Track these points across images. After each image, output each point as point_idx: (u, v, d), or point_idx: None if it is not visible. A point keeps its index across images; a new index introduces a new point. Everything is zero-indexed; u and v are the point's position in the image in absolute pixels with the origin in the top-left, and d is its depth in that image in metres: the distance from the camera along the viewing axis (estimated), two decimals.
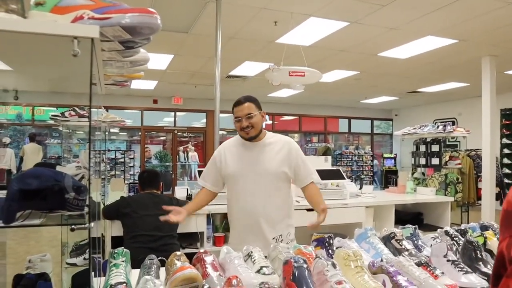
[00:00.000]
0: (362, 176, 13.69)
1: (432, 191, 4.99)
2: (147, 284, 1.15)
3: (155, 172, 3.56)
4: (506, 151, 10.26)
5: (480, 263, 1.61)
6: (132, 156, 11.52)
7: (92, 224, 0.97)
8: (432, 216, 4.92)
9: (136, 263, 2.88)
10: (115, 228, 3.30)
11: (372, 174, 14.43)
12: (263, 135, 2.55)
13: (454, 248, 1.67)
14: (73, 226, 0.99)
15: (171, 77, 9.04)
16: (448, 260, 1.58)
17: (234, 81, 9.37)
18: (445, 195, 5.26)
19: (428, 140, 5.73)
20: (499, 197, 7.26)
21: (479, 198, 7.07)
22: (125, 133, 12.99)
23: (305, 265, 1.26)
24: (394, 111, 15.03)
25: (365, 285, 1.31)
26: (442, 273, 1.50)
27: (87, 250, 3.59)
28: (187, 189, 3.99)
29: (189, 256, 3.73)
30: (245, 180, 2.47)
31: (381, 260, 1.59)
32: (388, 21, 5.39)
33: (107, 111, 11.31)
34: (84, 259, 3.50)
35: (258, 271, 1.52)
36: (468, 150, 7.24)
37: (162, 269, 1.56)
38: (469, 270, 1.53)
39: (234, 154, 2.54)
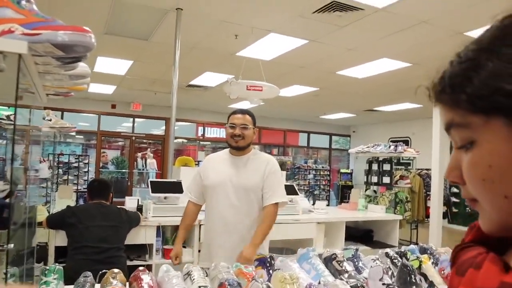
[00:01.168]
0: (316, 192, 13.90)
1: (382, 209, 5.13)
2: None
3: (105, 182, 3.46)
4: None
5: (414, 287, 1.66)
6: (87, 161, 11.15)
7: (11, 245, 0.92)
8: (382, 233, 5.04)
9: (79, 275, 2.79)
10: (59, 238, 3.17)
11: (328, 189, 14.67)
12: (249, 151, 2.63)
13: (390, 272, 1.71)
14: None
15: (131, 82, 8.87)
16: (383, 284, 1.62)
17: (195, 90, 9.31)
18: (395, 213, 5.43)
19: (380, 159, 5.90)
20: (446, 215, 7.54)
21: (427, 215, 7.32)
22: (82, 136, 12.58)
23: None
24: (352, 127, 15.41)
25: None
26: None
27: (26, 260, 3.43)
28: (138, 199, 3.91)
29: (135, 269, 3.61)
30: (221, 192, 2.52)
31: (319, 283, 1.61)
32: (347, 42, 5.54)
33: (62, 114, 11.02)
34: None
35: None
36: (419, 169, 7.50)
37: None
38: None
39: (216, 166, 2.62)
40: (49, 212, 3.52)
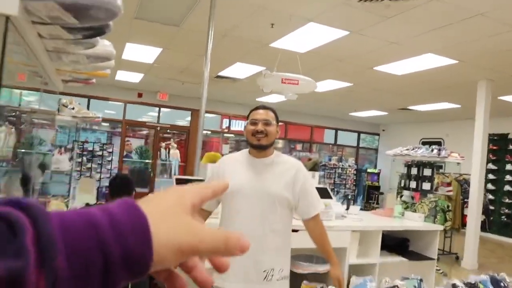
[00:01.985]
0: (348, 194, 13.46)
1: (421, 217, 4.74)
2: None
3: (127, 179, 3.20)
4: (490, 176, 10.16)
5: None
6: (111, 150, 11.03)
7: None
8: (419, 243, 4.65)
9: None
10: None
11: (354, 188, 14.23)
12: (271, 153, 2.29)
13: None
14: None
15: (158, 71, 8.65)
16: None
17: (223, 81, 9.04)
18: (434, 222, 5.03)
19: (423, 162, 5.50)
20: (484, 224, 7.08)
21: (463, 224, 6.88)
22: (107, 124, 12.50)
23: None
24: (382, 126, 14.89)
25: None
26: None
27: None
28: None
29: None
30: (242, 199, 2.19)
31: None
32: (390, 35, 5.15)
33: (89, 101, 10.91)
34: None
35: None
36: (457, 174, 7.04)
37: None
38: None
39: (235, 168, 2.28)
40: (67, 208, 3.29)
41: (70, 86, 1.37)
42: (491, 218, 8.05)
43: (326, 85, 8.40)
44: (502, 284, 1.90)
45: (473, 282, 1.81)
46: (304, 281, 1.58)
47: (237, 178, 2.23)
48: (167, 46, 6.65)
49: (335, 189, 13.49)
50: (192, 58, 7.21)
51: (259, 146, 2.24)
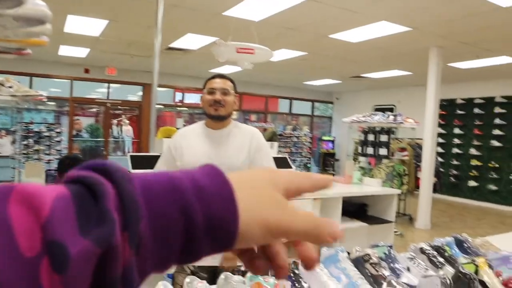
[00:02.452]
0: (306, 163, 13.63)
1: (379, 182, 4.84)
2: None
3: (78, 158, 3.02)
4: (440, 140, 10.58)
5: None
6: (59, 130, 10.48)
7: None
8: (377, 208, 4.77)
9: None
10: None
11: (310, 156, 14.43)
12: (229, 123, 2.21)
13: (448, 282, 1.36)
14: None
15: (105, 45, 8.19)
16: None
17: (175, 53, 8.71)
18: (391, 186, 5.15)
19: (377, 129, 5.57)
20: (435, 186, 7.38)
21: (417, 186, 7.14)
22: (53, 103, 11.82)
23: None
24: (335, 94, 15.07)
25: None
26: None
27: None
28: None
29: None
30: None
31: None
32: (346, 1, 5.08)
33: (31, 79, 10.24)
34: None
35: None
36: (410, 139, 7.25)
37: None
38: None
39: (193, 142, 2.18)
40: None
41: (3, 58, 1.19)
42: (442, 180, 8.40)
43: (281, 55, 8.30)
44: (465, 244, 1.94)
45: (439, 245, 1.82)
46: None
47: (195, 152, 2.14)
48: (113, 17, 6.26)
49: (291, 158, 13.61)
50: (141, 30, 6.85)
51: (217, 117, 2.14)
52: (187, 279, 1.31)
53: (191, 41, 7.60)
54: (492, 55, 7.39)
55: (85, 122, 12.45)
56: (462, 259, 1.57)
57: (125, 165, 4.13)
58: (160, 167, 2.26)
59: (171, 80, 11.80)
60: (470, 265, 1.48)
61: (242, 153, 2.16)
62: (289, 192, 0.37)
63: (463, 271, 1.39)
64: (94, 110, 12.94)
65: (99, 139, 12.30)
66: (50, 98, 11.07)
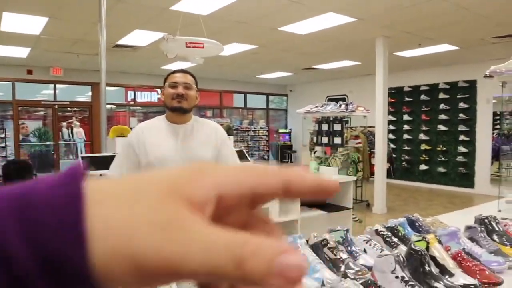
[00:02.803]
0: (263, 155, 13.71)
1: (335, 170, 4.94)
2: None
3: (25, 163, 2.87)
4: (391, 127, 10.96)
5: (429, 277, 1.38)
6: (3, 135, 9.97)
7: None
8: (335, 195, 4.87)
9: None
10: None
11: (267, 149, 14.54)
12: (190, 117, 2.19)
13: (402, 260, 1.40)
14: None
15: (48, 44, 7.82)
16: (396, 277, 1.31)
17: (123, 51, 8.47)
18: (347, 174, 5.28)
19: (331, 118, 5.69)
20: (389, 172, 7.64)
21: (372, 173, 7.36)
22: None
23: None
24: (289, 86, 15.23)
25: None
26: None
27: None
28: None
29: None
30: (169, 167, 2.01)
31: (323, 284, 1.28)
32: None
33: None
34: None
35: None
36: (362, 127, 7.44)
37: None
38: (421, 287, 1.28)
39: (157, 137, 2.12)
40: None
41: None
42: (395, 165, 8.72)
43: (232, 49, 8.27)
44: (417, 223, 2.01)
45: (393, 226, 1.88)
46: None
47: (161, 147, 2.10)
48: (53, 14, 5.97)
49: (249, 152, 13.66)
50: (85, 27, 6.59)
51: (179, 109, 2.11)
52: None
53: (139, 38, 7.41)
54: (434, 43, 7.70)
55: (31, 126, 11.87)
56: (414, 237, 1.63)
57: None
58: (118, 166, 2.15)
59: (121, 79, 11.49)
60: (421, 242, 1.53)
61: (209, 147, 2.17)
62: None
63: (415, 248, 1.44)
64: (41, 113, 12.37)
65: (48, 143, 11.78)
66: None
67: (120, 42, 7.69)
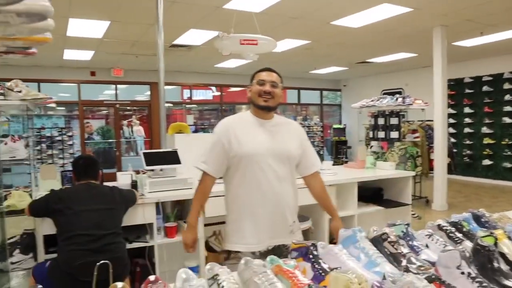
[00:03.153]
0: (318, 151, 13.61)
1: (392, 165, 4.82)
2: None
3: (92, 158, 3.04)
4: (451, 120, 10.50)
5: (499, 273, 1.32)
6: (70, 134, 10.62)
7: None
8: (393, 191, 4.76)
9: (73, 269, 2.41)
10: (47, 225, 2.76)
11: (322, 146, 14.41)
12: (272, 116, 2.29)
13: (467, 255, 1.36)
14: None
15: (109, 46, 8.23)
16: (462, 273, 1.28)
17: (179, 50, 8.73)
18: (405, 169, 5.13)
19: (387, 112, 5.54)
20: (450, 167, 7.33)
21: (431, 168, 7.09)
22: (63, 108, 11.96)
23: None
24: (343, 81, 14.99)
25: None
26: None
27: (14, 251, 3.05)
28: (131, 175, 3.50)
29: (137, 252, 3.22)
30: (262, 161, 2.17)
31: (384, 278, 1.27)
32: None
33: (39, 85, 10.32)
34: (12, 263, 2.98)
35: None
36: (420, 121, 7.19)
37: None
38: (490, 285, 1.23)
39: (247, 131, 2.22)
40: (31, 197, 3.10)
41: (10, 65, 1.21)
42: (455, 160, 8.35)
43: (285, 45, 8.28)
44: (482, 219, 1.93)
45: (456, 221, 1.82)
46: (293, 240, 1.53)
47: (254, 140, 2.19)
48: (114, 18, 6.29)
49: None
50: (143, 28, 6.88)
51: (266, 107, 2.21)
52: (208, 266, 1.33)
53: (194, 37, 7.61)
54: (497, 30, 7.28)
55: (95, 124, 12.57)
56: (480, 232, 1.57)
57: (139, 164, 4.17)
58: (208, 155, 2.23)
59: (177, 78, 11.85)
60: (489, 237, 1.48)
61: (295, 143, 2.28)
62: None
63: (482, 243, 1.39)
64: (103, 112, 13.05)
65: (111, 141, 12.41)
66: (59, 103, 11.22)
67: (176, 42, 7.94)
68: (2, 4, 0.71)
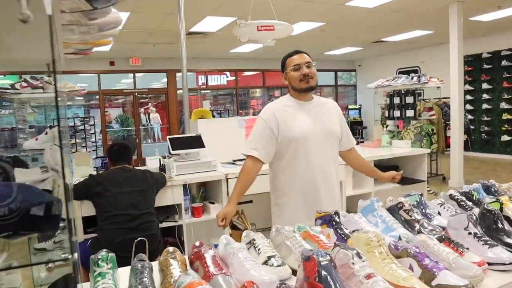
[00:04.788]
0: None
1: (408, 143, 4.93)
2: None
3: (125, 145, 3.25)
4: (468, 97, 10.46)
5: (502, 233, 1.48)
6: (92, 123, 10.92)
7: (75, 255, 0.72)
8: (408, 168, 4.88)
9: (113, 246, 2.65)
10: (85, 208, 3.01)
11: None
12: (311, 97, 2.39)
13: (474, 218, 1.52)
14: (50, 265, 0.74)
15: (128, 36, 8.42)
16: (469, 233, 1.44)
17: (194, 38, 8.87)
18: (421, 146, 5.23)
19: (403, 91, 5.63)
20: (467, 144, 7.38)
21: (447, 146, 7.16)
22: (81, 98, 12.24)
23: (331, 262, 1.07)
24: (357, 61, 14.94)
25: (395, 275, 1.15)
26: (467, 248, 1.36)
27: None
28: (160, 159, 3.72)
29: (167, 231, 3.45)
30: (311, 141, 2.28)
31: (399, 239, 1.44)
32: None
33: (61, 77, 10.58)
34: (54, 242, 3.23)
35: (265, 262, 1.34)
36: (436, 99, 7.23)
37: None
38: (494, 243, 1.40)
39: (293, 115, 2.31)
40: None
41: (69, 58, 1.39)
42: (473, 137, 8.37)
43: (299, 27, 8.33)
44: (492, 189, 2.07)
45: (467, 191, 1.97)
46: (317, 210, 1.71)
47: (301, 123, 2.28)
48: (134, 9, 6.46)
49: None
50: (160, 18, 7.04)
51: (309, 89, 2.30)
52: (244, 234, 1.52)
53: (210, 24, 7.73)
54: None
55: (112, 113, 12.86)
56: (487, 199, 1.72)
57: (160, 150, 4.37)
58: (256, 141, 2.30)
59: (192, 64, 11.98)
60: (495, 203, 1.63)
61: (336, 121, 2.40)
62: None
63: (488, 208, 1.55)
64: (120, 101, 13.32)
65: (130, 128, 12.70)
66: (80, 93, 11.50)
67: (192, 29, 8.07)
68: (91, 19, 0.88)
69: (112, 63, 11.19)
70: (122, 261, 2.71)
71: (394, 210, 1.74)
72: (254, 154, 2.29)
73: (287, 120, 2.28)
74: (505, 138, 10.09)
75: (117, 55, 10.79)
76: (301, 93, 2.32)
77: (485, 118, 10.49)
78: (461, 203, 1.88)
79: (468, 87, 10.41)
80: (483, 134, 10.52)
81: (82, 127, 10.67)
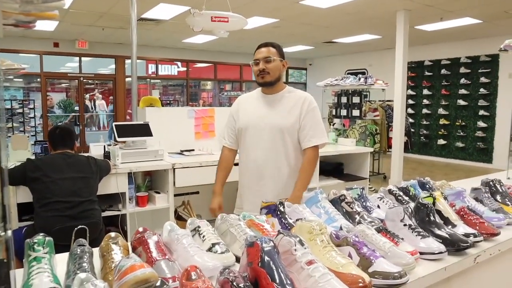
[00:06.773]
0: None
1: (353, 142, 5.11)
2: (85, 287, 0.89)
3: (68, 129, 3.10)
4: (410, 101, 10.99)
5: (434, 225, 1.58)
6: (32, 106, 10.36)
7: (9, 232, 0.68)
8: (352, 166, 5.06)
9: (52, 234, 2.54)
10: (21, 194, 2.85)
11: None
12: (281, 88, 2.40)
13: (410, 211, 1.61)
14: None
15: (75, 17, 8.05)
16: (405, 225, 1.52)
17: (146, 24, 8.64)
18: (365, 145, 5.43)
19: (350, 92, 5.81)
20: (407, 145, 7.76)
21: (389, 146, 7.50)
22: (21, 80, 11.57)
23: (274, 248, 1.09)
24: (308, 60, 15.23)
25: (335, 261, 1.19)
26: (402, 239, 1.44)
27: None
28: (104, 146, 3.60)
29: (110, 220, 3.36)
30: (254, 134, 2.35)
31: (340, 229, 1.49)
32: None
33: None
34: None
35: (209, 249, 1.34)
36: (381, 101, 7.54)
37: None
38: (426, 234, 1.49)
39: (248, 106, 2.45)
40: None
41: (9, 36, 1.30)
42: (412, 139, 8.82)
43: (253, 22, 8.35)
44: (427, 185, 2.20)
45: (405, 186, 2.08)
46: (262, 199, 1.74)
47: (248, 113, 2.40)
48: None
49: None
50: (111, 1, 6.79)
51: (264, 84, 2.36)
52: (189, 221, 1.51)
53: (163, 11, 7.56)
54: (456, 16, 7.66)
55: (55, 97, 12.26)
56: (422, 194, 1.83)
57: (105, 138, 4.22)
58: (224, 130, 2.55)
59: (143, 52, 11.68)
60: (428, 198, 1.73)
61: (292, 116, 2.33)
62: None
63: (422, 202, 1.65)
64: (64, 85, 12.73)
65: (73, 114, 12.17)
66: (18, 75, 10.86)
67: (144, 15, 7.86)
68: None
69: (56, 45, 10.64)
70: (61, 250, 2.61)
71: (336, 202, 1.80)
72: (223, 143, 2.51)
73: (241, 110, 2.44)
74: (441, 142, 10.72)
75: (62, 37, 10.27)
76: (262, 87, 2.41)
77: (425, 122, 11.07)
78: (398, 197, 1.98)
79: (410, 92, 10.94)
80: (422, 137, 11.11)
81: (20, 111, 10.12)
